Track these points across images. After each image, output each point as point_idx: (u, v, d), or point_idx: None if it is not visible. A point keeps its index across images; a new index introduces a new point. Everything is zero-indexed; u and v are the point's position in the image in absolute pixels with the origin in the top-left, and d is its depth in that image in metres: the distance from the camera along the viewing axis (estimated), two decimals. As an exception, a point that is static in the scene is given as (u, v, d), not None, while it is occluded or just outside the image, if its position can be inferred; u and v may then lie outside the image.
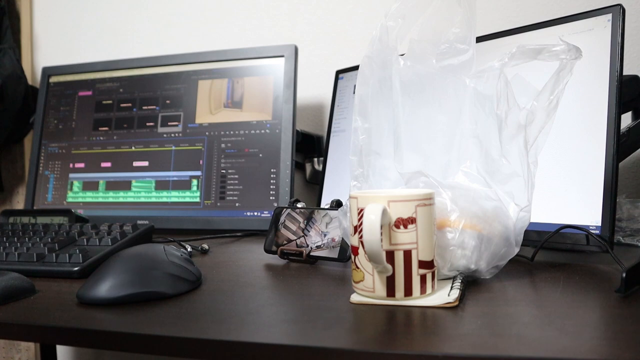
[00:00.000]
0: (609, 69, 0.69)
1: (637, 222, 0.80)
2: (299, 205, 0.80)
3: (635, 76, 0.82)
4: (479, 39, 0.82)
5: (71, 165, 1.09)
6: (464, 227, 0.58)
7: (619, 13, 0.69)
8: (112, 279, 0.57)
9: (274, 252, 0.77)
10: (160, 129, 1.06)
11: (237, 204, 1.00)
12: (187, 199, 1.02)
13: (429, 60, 0.65)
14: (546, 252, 0.72)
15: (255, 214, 0.99)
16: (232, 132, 1.01)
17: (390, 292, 0.54)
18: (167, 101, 1.07)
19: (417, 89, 0.66)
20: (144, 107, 1.08)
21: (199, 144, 1.03)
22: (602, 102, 0.68)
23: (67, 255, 0.71)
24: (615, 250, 0.65)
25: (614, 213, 0.66)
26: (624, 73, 0.69)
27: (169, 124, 1.05)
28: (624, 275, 0.52)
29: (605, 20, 0.70)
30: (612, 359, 0.38)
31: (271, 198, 0.99)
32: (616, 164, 0.67)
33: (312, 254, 0.74)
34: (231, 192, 1.01)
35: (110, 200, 1.05)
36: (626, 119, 0.83)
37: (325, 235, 0.74)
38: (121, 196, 1.04)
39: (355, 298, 0.56)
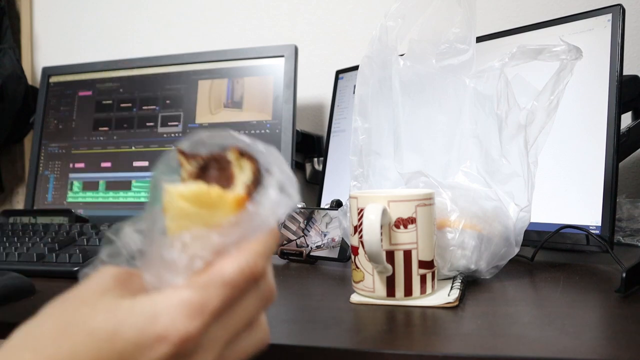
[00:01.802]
0: (609, 69, 0.69)
1: (637, 222, 0.80)
2: (299, 205, 0.80)
3: (635, 76, 0.82)
4: (479, 39, 0.82)
5: (71, 165, 1.09)
6: (464, 227, 0.58)
7: (619, 13, 0.69)
8: (112, 279, 0.57)
9: (274, 252, 0.77)
10: (160, 129, 1.06)
11: (237, 204, 1.00)
12: (187, 199, 1.02)
13: (429, 60, 0.65)
14: (546, 252, 0.72)
15: (255, 214, 0.99)
16: (232, 132, 1.01)
17: (390, 292, 0.54)
18: (167, 101, 1.07)
19: (417, 89, 0.66)
20: (144, 107, 1.08)
21: (199, 144, 1.03)
22: (602, 102, 0.68)
23: (67, 255, 0.71)
24: (615, 250, 0.65)
25: (614, 213, 0.66)
26: (624, 73, 0.69)
27: (169, 124, 1.05)
28: (624, 275, 0.52)
29: (605, 20, 0.70)
30: (612, 359, 0.38)
31: (271, 198, 0.99)
32: (616, 164, 0.67)
33: (312, 254, 0.74)
34: (231, 192, 1.00)
35: (111, 200, 1.05)
36: (626, 119, 0.83)
37: (325, 235, 0.74)
38: (121, 196, 1.04)
39: (355, 298, 0.56)
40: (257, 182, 0.32)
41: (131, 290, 0.30)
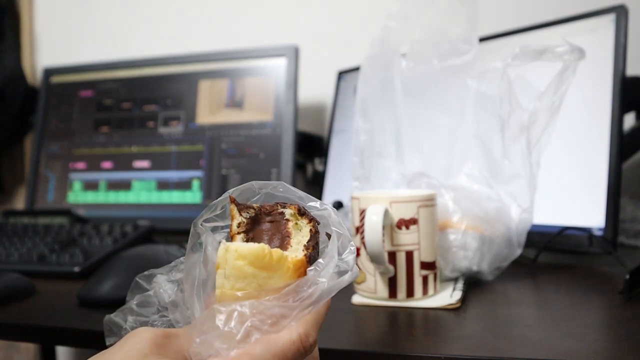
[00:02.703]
0: (612, 69, 0.68)
1: (640, 223, 0.80)
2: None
3: (638, 77, 0.81)
4: (482, 39, 0.81)
5: (72, 166, 1.08)
6: (466, 228, 0.58)
7: (622, 13, 0.68)
8: (113, 279, 0.57)
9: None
10: (161, 129, 1.06)
11: (238, 205, 1.00)
12: (188, 200, 1.01)
13: (431, 61, 0.65)
14: (549, 254, 0.72)
15: (256, 214, 0.99)
16: (233, 133, 1.01)
17: (392, 293, 0.54)
18: (168, 101, 1.07)
19: (419, 90, 0.66)
20: (145, 107, 1.08)
21: (199, 144, 1.03)
22: (605, 103, 0.68)
23: (67, 255, 0.71)
24: (619, 251, 0.65)
25: (617, 214, 0.65)
26: (627, 74, 0.69)
27: (170, 124, 1.05)
28: (627, 276, 0.52)
29: (609, 20, 0.70)
30: (616, 362, 0.38)
31: (272, 199, 0.98)
32: (619, 164, 0.66)
33: (313, 254, 0.73)
34: (232, 193, 1.00)
35: (111, 200, 1.04)
36: (629, 120, 0.83)
37: (326, 236, 0.74)
38: (122, 196, 1.04)
39: (356, 299, 0.55)
40: (315, 245, 0.31)
41: (169, 354, 0.29)
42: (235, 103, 1.03)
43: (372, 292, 0.54)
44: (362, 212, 0.54)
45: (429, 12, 0.65)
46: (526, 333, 0.44)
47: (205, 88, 1.05)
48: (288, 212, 0.33)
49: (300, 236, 0.32)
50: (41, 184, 1.09)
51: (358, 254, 0.55)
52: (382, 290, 0.54)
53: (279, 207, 0.33)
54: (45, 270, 0.70)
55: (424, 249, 0.54)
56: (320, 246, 0.32)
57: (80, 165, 1.08)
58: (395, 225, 0.53)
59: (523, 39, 0.80)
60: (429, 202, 0.54)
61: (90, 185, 1.06)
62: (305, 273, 0.31)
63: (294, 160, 0.98)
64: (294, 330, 0.29)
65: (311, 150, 1.14)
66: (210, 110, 1.04)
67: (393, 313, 0.52)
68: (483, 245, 0.58)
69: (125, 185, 1.05)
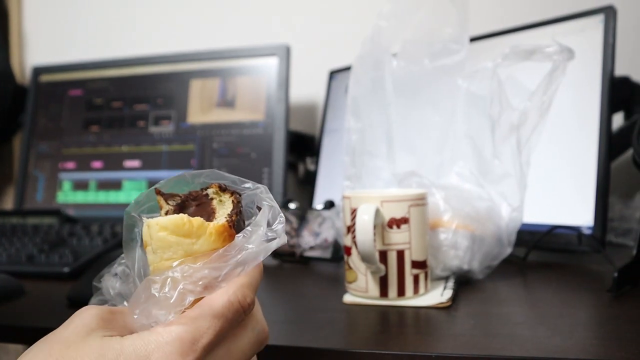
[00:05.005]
0: (601, 69, 0.69)
1: (628, 222, 0.80)
2: (292, 205, 0.79)
3: (626, 77, 0.82)
4: (472, 39, 0.82)
5: (61, 165, 1.08)
6: (457, 228, 0.58)
7: (610, 14, 0.69)
8: (102, 279, 0.56)
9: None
10: (152, 129, 1.05)
11: (229, 204, 0.99)
12: (179, 199, 1.01)
13: (422, 60, 0.65)
14: (539, 252, 0.72)
15: (248, 214, 0.98)
16: (224, 132, 1.01)
17: (383, 292, 0.54)
18: (159, 100, 1.06)
19: (410, 89, 0.66)
20: (135, 107, 1.07)
21: (190, 143, 1.02)
22: (594, 103, 0.69)
23: (57, 255, 0.71)
24: (607, 250, 0.65)
25: (606, 213, 0.66)
26: (615, 74, 0.69)
27: (161, 123, 1.05)
28: (615, 275, 0.52)
29: (597, 21, 0.70)
30: (604, 359, 0.38)
31: (264, 198, 0.98)
32: (608, 163, 0.67)
33: (305, 254, 0.73)
34: (223, 192, 0.99)
35: (101, 200, 1.04)
36: (617, 120, 0.84)
37: (318, 236, 0.74)
38: (112, 196, 1.03)
39: (348, 298, 0.55)
40: (238, 212, 0.33)
41: (116, 329, 0.30)
42: (226, 102, 1.03)
43: (363, 291, 0.55)
44: (354, 212, 0.54)
45: (420, 11, 0.65)
46: (516, 331, 0.44)
47: (196, 87, 1.05)
48: (210, 191, 0.34)
49: (224, 209, 0.34)
50: (30, 183, 1.08)
51: (349, 253, 0.55)
52: (373, 289, 0.54)
53: (203, 190, 0.35)
54: (34, 271, 0.69)
55: (415, 248, 0.54)
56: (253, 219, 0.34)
57: (70, 164, 1.07)
58: (387, 225, 0.53)
59: (513, 39, 0.80)
60: (420, 202, 0.54)
61: (80, 185, 1.06)
62: (230, 239, 0.32)
63: (286, 159, 0.98)
64: (229, 290, 0.31)
65: (303, 149, 1.13)
66: (201, 110, 1.04)
67: (384, 312, 0.52)
68: (473, 244, 0.58)
69: (116, 185, 1.04)
